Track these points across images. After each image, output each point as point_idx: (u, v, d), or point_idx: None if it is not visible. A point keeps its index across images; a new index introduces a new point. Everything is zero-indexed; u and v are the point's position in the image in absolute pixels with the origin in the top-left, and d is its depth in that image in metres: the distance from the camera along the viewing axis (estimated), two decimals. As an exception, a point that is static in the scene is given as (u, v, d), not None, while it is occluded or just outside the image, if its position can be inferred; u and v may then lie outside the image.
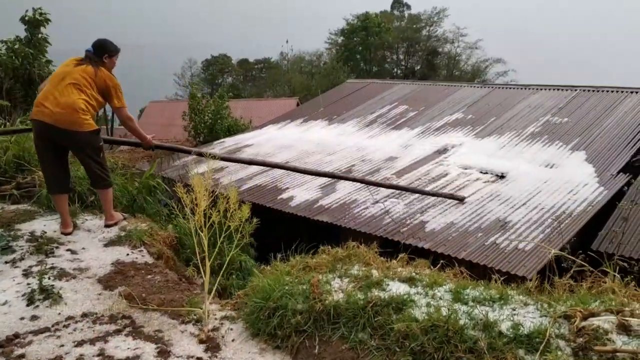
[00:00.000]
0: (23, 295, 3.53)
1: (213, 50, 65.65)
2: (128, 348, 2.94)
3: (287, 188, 9.86)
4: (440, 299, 2.91)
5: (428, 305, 2.83)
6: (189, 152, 6.24)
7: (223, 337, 3.11)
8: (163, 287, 3.80)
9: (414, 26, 56.61)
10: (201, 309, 3.28)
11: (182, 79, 60.59)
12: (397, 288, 3.06)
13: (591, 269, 3.11)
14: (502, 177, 9.56)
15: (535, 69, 69.76)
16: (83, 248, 4.46)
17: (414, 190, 8.21)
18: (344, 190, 9.49)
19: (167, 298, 3.61)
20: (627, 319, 2.45)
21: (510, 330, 2.54)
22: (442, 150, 11.32)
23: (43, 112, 4.20)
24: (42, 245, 4.33)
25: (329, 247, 3.81)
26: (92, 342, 2.99)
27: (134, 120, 4.82)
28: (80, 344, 2.97)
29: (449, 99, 14.92)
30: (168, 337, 3.09)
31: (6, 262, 4.02)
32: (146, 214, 5.75)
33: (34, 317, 3.29)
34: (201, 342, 3.03)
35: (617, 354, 2.25)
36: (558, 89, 13.91)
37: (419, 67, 56.70)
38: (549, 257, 3.36)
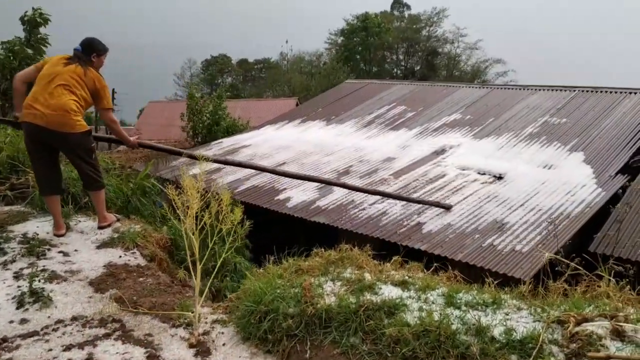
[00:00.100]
0: (13, 298, 3.49)
1: (213, 50, 65.76)
2: (117, 352, 2.90)
3: (285, 189, 9.84)
4: (433, 303, 2.88)
5: (420, 309, 2.79)
6: (179, 154, 6.14)
7: (214, 341, 3.07)
8: (155, 290, 3.76)
9: (414, 26, 56.64)
10: (192, 312, 3.24)
11: (181, 79, 60.69)
12: (389, 292, 3.03)
13: (586, 272, 3.07)
14: (500, 178, 9.53)
15: (535, 69, 69.82)
16: (75, 250, 4.42)
17: (400, 198, 8.11)
18: (342, 191, 9.45)
19: (159, 301, 3.57)
20: (621, 324, 2.41)
21: (503, 335, 2.51)
22: (440, 151, 11.29)
23: (34, 114, 4.16)
24: (34, 247, 4.29)
25: (323, 249, 3.77)
26: (80, 346, 2.95)
27: (118, 123, 4.76)
28: (68, 348, 2.93)
29: (447, 99, 14.90)
30: (158, 342, 3.05)
31: (-3, 264, 3.98)
32: (141, 215, 5.72)
33: (23, 321, 3.25)
34: (191, 346, 2.99)
35: (611, 360, 2.22)
36: (556, 90, 13.89)
37: (418, 68, 56.73)
38: (543, 260, 3.31)
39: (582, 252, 4.55)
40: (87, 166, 4.51)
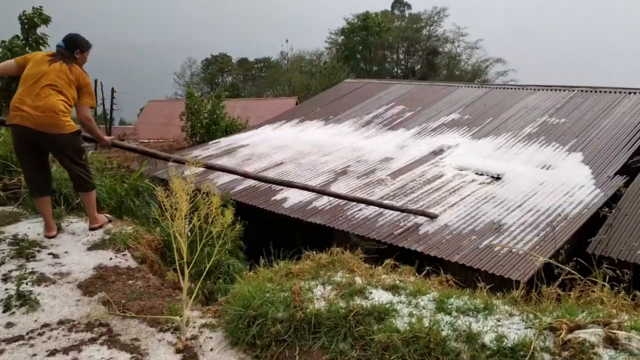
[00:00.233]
0: (0, 301, 3.45)
1: (213, 50, 65.70)
2: (102, 358, 2.85)
3: (282, 189, 9.78)
4: (424, 308, 2.83)
5: (410, 315, 2.74)
6: (155, 157, 5.98)
7: (201, 346, 3.02)
8: (144, 293, 3.71)
9: (414, 26, 56.51)
10: (180, 316, 3.19)
11: (181, 78, 60.63)
12: (379, 296, 2.98)
13: (580, 277, 3.02)
14: (497, 178, 9.48)
15: (535, 70, 69.74)
16: (66, 252, 4.37)
17: (384, 206, 7.98)
18: (339, 191, 9.39)
19: (147, 304, 3.52)
20: (614, 331, 2.36)
21: (494, 342, 2.46)
22: (438, 151, 11.23)
23: (22, 116, 4.11)
24: (24, 249, 4.24)
25: (318, 250, 3.72)
26: (65, 351, 2.90)
27: (93, 121, 4.67)
28: (53, 353, 2.88)
29: (445, 99, 14.84)
30: (144, 346, 3.00)
31: (-15, 267, 3.93)
32: (134, 216, 5.66)
33: (9, 324, 3.20)
34: (178, 351, 2.94)
35: (603, 369, 2.16)
36: (555, 90, 13.82)
37: (419, 67, 56.63)
38: (537, 265, 3.25)
39: (580, 254, 4.50)
40: (77, 167, 4.45)
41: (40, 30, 13.59)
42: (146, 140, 25.04)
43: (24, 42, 13.24)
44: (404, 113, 14.39)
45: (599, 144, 10.53)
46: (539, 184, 9.03)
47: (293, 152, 12.39)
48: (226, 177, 10.40)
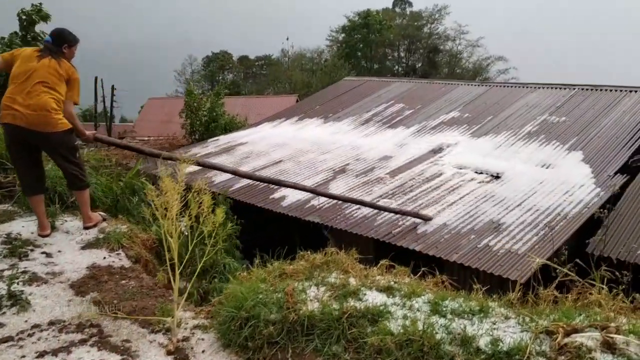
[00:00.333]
0: (-9, 302, 3.40)
1: (214, 47, 65.57)
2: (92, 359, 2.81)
3: (280, 188, 9.72)
4: (418, 310, 2.78)
5: (404, 317, 2.70)
6: (141, 152, 5.89)
7: (193, 348, 2.98)
8: (136, 293, 3.67)
9: (415, 23, 56.40)
10: (172, 317, 3.14)
11: (182, 75, 60.55)
12: (374, 298, 2.93)
13: (579, 279, 2.97)
14: (497, 177, 9.42)
15: (535, 70, 69.65)
16: (59, 251, 4.33)
17: (380, 208, 7.91)
18: (337, 189, 9.36)
19: (140, 305, 3.47)
20: (612, 335, 2.31)
21: (489, 346, 2.41)
22: (438, 150, 11.17)
23: (13, 115, 4.05)
24: (17, 248, 4.20)
25: (307, 251, 3.68)
26: (54, 352, 2.86)
27: (76, 117, 4.59)
28: (42, 355, 2.84)
29: (445, 97, 14.77)
30: (135, 348, 2.96)
31: (-23, 266, 3.89)
32: (130, 214, 5.62)
33: (-1, 325, 3.16)
34: (169, 353, 2.89)
35: (600, 374, 2.12)
36: (556, 88, 13.76)
37: (420, 65, 56.55)
38: (534, 266, 3.20)
39: (580, 254, 4.45)
40: (71, 165, 4.41)
41: (40, 27, 13.53)
42: (146, 138, 25.00)
43: (21, 39, 13.18)
44: (404, 111, 14.33)
45: (599, 142, 10.46)
46: (538, 183, 8.97)
47: (292, 150, 12.34)
48: (224, 175, 10.35)
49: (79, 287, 3.71)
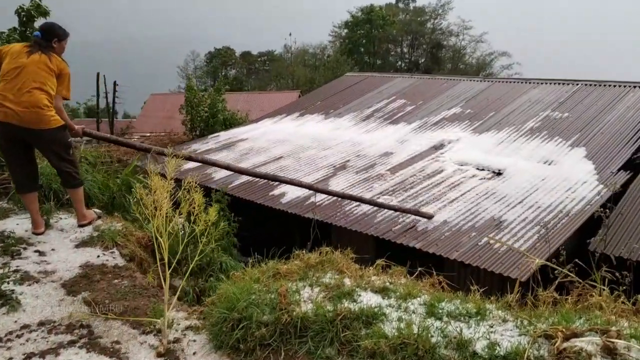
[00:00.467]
0: (-20, 302, 3.35)
1: (216, 43, 65.47)
2: (80, 362, 2.75)
3: (279, 184, 9.66)
4: (413, 312, 2.71)
5: (399, 319, 2.62)
6: (132, 147, 5.82)
7: (183, 350, 2.91)
8: (129, 293, 3.60)
9: (419, 19, 56.16)
10: (164, 318, 3.07)
11: (185, 71, 60.47)
12: (368, 299, 2.86)
13: (579, 280, 2.89)
14: (499, 173, 9.33)
15: (539, 66, 69.34)
16: (52, 249, 4.27)
17: (380, 205, 7.83)
18: (337, 186, 9.29)
19: (132, 305, 3.41)
20: (613, 340, 2.23)
21: (486, 350, 2.34)
22: (439, 146, 11.08)
23: (5, 113, 3.99)
24: (9, 246, 4.15)
25: (303, 250, 3.61)
26: (42, 354, 2.80)
27: (64, 112, 4.52)
28: (29, 356, 2.78)
29: (447, 92, 14.66)
30: (125, 350, 2.90)
31: (-32, 264, 3.83)
32: (126, 212, 5.56)
33: (-13, 325, 3.10)
34: (159, 355, 2.83)
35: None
36: (559, 83, 13.63)
37: (423, 60, 56.32)
38: (533, 267, 3.12)
39: (582, 252, 4.36)
40: (65, 163, 4.34)
41: (39, 23, 13.45)
42: (147, 134, 24.96)
43: (20, 35, 13.11)
44: (405, 107, 14.22)
45: (602, 139, 10.35)
46: (540, 180, 8.88)
47: (292, 146, 12.26)
48: (224, 172, 10.29)
49: (71, 287, 3.65)
